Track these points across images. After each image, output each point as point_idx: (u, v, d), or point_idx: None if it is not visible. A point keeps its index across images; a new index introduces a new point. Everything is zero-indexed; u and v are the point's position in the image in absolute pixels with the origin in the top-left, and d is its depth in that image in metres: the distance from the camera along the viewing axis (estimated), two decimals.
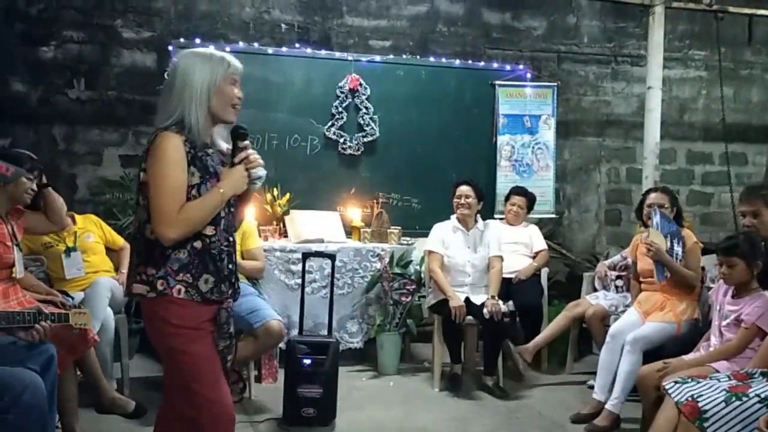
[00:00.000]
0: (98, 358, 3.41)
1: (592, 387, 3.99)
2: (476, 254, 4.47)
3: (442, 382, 4.38)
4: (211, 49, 2.26)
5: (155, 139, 2.07)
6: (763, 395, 2.60)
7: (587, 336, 4.68)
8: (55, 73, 5.45)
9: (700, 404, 2.62)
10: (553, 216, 5.83)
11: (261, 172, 2.21)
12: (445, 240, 4.49)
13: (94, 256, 4.16)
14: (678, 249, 3.88)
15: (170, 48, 4.97)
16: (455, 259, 4.45)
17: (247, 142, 2.21)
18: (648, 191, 4.31)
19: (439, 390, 4.32)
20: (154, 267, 2.05)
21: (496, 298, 4.24)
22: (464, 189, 4.51)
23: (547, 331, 4.49)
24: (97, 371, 3.34)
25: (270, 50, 5.28)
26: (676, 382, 2.80)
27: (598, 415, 3.71)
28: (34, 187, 3.23)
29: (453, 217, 4.56)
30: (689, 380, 2.78)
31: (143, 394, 4.03)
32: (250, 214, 4.71)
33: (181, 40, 5.06)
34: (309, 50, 5.41)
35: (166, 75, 2.19)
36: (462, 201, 4.48)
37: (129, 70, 5.56)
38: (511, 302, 4.66)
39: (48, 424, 2.69)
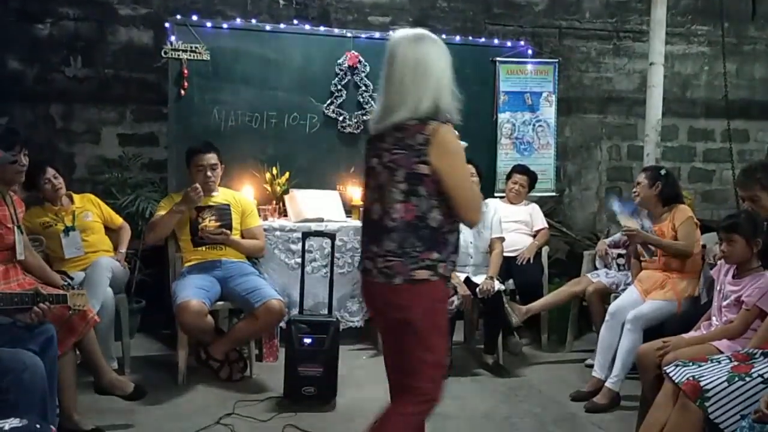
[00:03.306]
0: (98, 339, 3.40)
1: (591, 365, 4.00)
2: (479, 236, 4.43)
3: None
4: (421, 30, 2.37)
5: (438, 132, 2.15)
6: (766, 375, 2.60)
7: (587, 314, 4.68)
8: (52, 51, 5.37)
9: (701, 383, 2.61)
10: (554, 194, 5.81)
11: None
12: None
13: (93, 235, 4.17)
14: (647, 223, 3.89)
15: (167, 25, 4.87)
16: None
17: None
18: None
19: None
20: (437, 251, 2.18)
21: (494, 279, 4.23)
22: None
23: (545, 299, 4.50)
24: (97, 352, 3.33)
25: (268, 27, 5.18)
26: (676, 365, 2.80)
27: (597, 393, 3.73)
28: (24, 162, 3.11)
29: None
30: (690, 363, 2.78)
31: (144, 372, 4.09)
32: (249, 193, 4.69)
33: (178, 16, 4.97)
34: (307, 27, 5.32)
35: (390, 64, 2.26)
36: None
37: (125, 48, 5.48)
38: (511, 281, 4.66)
39: (48, 404, 2.69)
